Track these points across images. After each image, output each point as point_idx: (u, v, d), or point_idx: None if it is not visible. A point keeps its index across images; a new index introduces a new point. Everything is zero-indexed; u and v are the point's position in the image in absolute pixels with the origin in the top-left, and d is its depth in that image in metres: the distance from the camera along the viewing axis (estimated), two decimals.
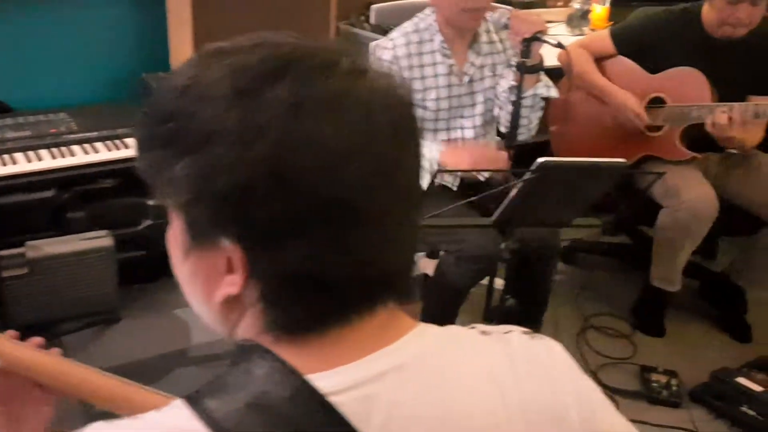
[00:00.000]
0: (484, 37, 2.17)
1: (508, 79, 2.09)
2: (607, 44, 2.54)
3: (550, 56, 2.78)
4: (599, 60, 2.57)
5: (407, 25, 2.16)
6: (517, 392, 0.62)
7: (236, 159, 0.54)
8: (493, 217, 1.65)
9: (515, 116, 1.93)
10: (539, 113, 2.12)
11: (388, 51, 2.11)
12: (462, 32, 2.12)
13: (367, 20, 2.63)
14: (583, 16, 3.28)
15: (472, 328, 0.68)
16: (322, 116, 0.54)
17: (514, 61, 2.09)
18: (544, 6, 3.45)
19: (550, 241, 2.07)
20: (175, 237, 0.62)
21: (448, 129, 2.20)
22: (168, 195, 0.59)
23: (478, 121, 2.21)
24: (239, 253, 0.56)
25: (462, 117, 2.19)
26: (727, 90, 2.35)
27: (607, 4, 3.28)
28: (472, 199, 1.69)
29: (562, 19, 3.40)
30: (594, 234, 3.34)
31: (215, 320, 0.63)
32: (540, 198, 1.58)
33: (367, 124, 0.56)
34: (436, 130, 2.20)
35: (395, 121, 0.59)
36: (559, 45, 1.85)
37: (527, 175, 1.48)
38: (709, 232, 2.40)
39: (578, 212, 1.72)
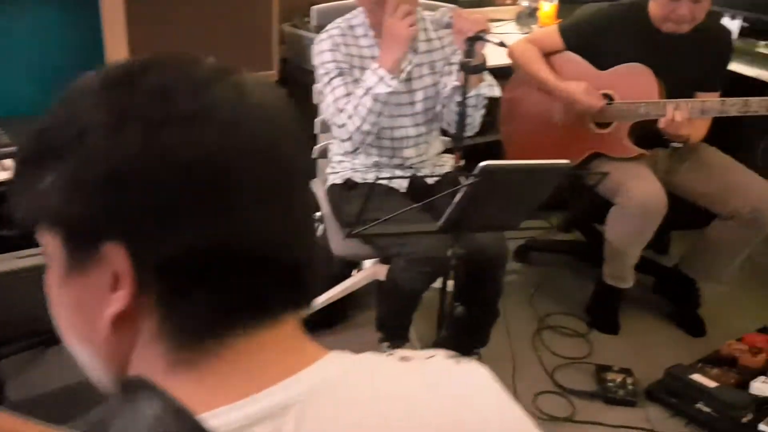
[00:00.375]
0: (421, 36, 2.14)
1: (451, 79, 2.05)
2: (555, 40, 2.52)
3: (497, 55, 2.77)
4: (548, 56, 2.55)
5: (340, 20, 2.13)
6: (436, 420, 0.57)
7: (108, 146, 0.52)
8: (440, 222, 1.61)
9: (461, 117, 1.89)
10: (482, 111, 2.09)
11: (325, 41, 2.07)
12: None
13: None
14: (532, 14, 3.27)
15: (391, 354, 0.63)
16: (191, 97, 0.53)
17: (455, 59, 2.05)
18: (492, 4, 3.43)
19: (497, 248, 2.04)
20: (53, 268, 0.56)
21: (391, 128, 2.16)
22: (41, 214, 0.55)
23: (420, 119, 2.17)
24: (123, 258, 0.52)
25: (402, 115, 2.15)
26: (675, 86, 2.36)
27: (555, 2, 3.27)
28: (417, 205, 1.64)
29: (510, 17, 3.39)
30: (548, 232, 3.34)
31: (103, 358, 0.57)
32: (485, 201, 1.54)
33: (239, 102, 0.55)
34: (381, 128, 2.15)
35: (269, 104, 0.58)
36: (502, 44, 1.82)
37: (470, 179, 1.43)
38: (661, 227, 2.40)
39: (526, 214, 1.69)
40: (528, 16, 3.27)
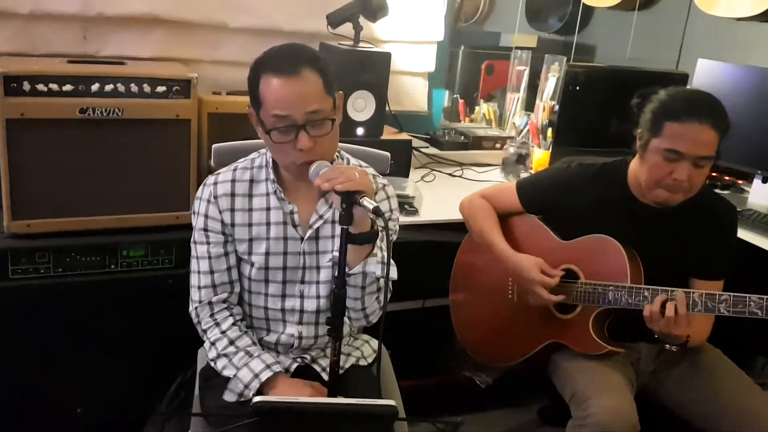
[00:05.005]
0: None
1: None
2: (512, 199, 2.06)
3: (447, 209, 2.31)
4: (507, 216, 2.09)
5: (241, 162, 1.73)
6: None
7: None
8: None
9: (338, 299, 1.43)
10: (377, 295, 1.60)
11: (207, 188, 1.68)
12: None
13: None
14: (519, 160, 2.84)
15: None
16: None
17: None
18: (480, 147, 3.03)
19: None
20: None
21: (283, 295, 1.70)
22: None
23: (324, 290, 1.69)
24: None
25: (302, 282, 1.69)
26: (665, 270, 1.83)
27: (549, 148, 2.84)
28: None
29: (498, 162, 2.97)
30: (531, 423, 2.74)
31: None
32: None
33: None
34: (267, 295, 1.69)
35: None
36: (376, 211, 1.37)
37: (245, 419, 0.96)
38: None
39: None
40: (514, 164, 2.84)
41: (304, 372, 1.72)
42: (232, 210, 1.66)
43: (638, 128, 1.82)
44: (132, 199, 2.18)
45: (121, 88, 2.06)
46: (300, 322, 1.71)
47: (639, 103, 1.83)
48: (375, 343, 1.86)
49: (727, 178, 2.98)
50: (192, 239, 1.70)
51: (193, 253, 1.69)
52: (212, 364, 1.66)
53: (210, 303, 1.67)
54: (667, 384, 1.93)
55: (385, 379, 1.82)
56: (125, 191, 2.16)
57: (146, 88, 2.10)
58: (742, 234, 2.29)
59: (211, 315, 1.67)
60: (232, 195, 1.66)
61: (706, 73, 2.88)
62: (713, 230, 1.89)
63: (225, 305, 1.68)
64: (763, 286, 1.89)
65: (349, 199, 1.39)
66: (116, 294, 2.21)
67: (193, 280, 1.69)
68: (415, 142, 2.86)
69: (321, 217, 1.67)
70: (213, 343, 1.65)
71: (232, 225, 1.66)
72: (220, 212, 1.65)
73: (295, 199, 1.67)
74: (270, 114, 1.53)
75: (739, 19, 3.23)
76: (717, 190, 2.66)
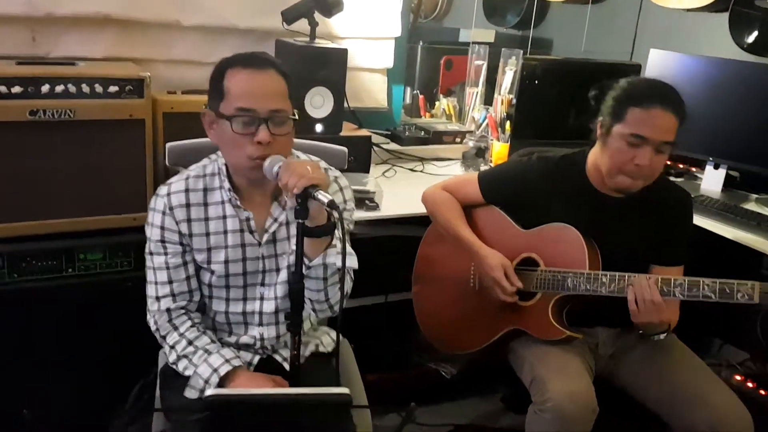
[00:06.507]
0: None
1: (291, 244, 1.61)
2: (474, 190, 2.08)
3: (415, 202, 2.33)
4: (469, 207, 2.11)
5: (193, 169, 1.70)
6: None
7: None
8: None
9: (295, 294, 1.43)
10: (339, 285, 1.61)
11: (161, 199, 1.65)
12: (261, 181, 1.64)
13: None
14: (479, 153, 2.87)
15: None
16: None
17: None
18: (441, 142, 3.05)
19: None
20: None
21: (243, 299, 1.70)
22: None
23: (281, 290, 1.69)
24: None
25: (262, 285, 1.69)
26: (624, 257, 1.87)
27: (507, 141, 2.87)
28: None
29: (457, 156, 2.99)
30: (496, 411, 2.77)
31: None
32: None
33: None
34: (228, 300, 1.69)
35: None
36: (331, 204, 1.37)
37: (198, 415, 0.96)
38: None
39: None
40: (474, 157, 2.86)
41: (267, 364, 1.72)
42: (189, 220, 1.65)
43: (599, 117, 1.86)
44: (88, 202, 2.15)
45: (72, 89, 2.03)
46: (261, 324, 1.71)
47: (597, 95, 1.87)
48: (335, 334, 1.87)
49: (680, 165, 3.04)
50: (147, 250, 1.67)
51: (149, 264, 1.67)
52: (174, 367, 1.64)
53: (168, 310, 1.66)
54: (624, 368, 1.97)
55: (346, 368, 1.83)
56: (80, 194, 2.13)
57: (98, 88, 2.07)
58: (696, 219, 2.33)
59: (170, 321, 1.66)
60: (188, 205, 1.65)
61: (659, 63, 2.93)
62: (670, 218, 1.93)
63: (183, 311, 1.68)
64: (717, 269, 1.94)
65: (304, 194, 1.39)
66: (74, 298, 2.18)
67: (150, 290, 1.67)
68: (376, 138, 2.86)
69: (276, 220, 1.67)
70: (172, 347, 1.64)
71: (190, 235, 1.65)
72: (177, 223, 1.64)
73: (250, 205, 1.66)
74: (234, 106, 1.52)
75: (688, 10, 3.31)
76: (671, 178, 2.72)
